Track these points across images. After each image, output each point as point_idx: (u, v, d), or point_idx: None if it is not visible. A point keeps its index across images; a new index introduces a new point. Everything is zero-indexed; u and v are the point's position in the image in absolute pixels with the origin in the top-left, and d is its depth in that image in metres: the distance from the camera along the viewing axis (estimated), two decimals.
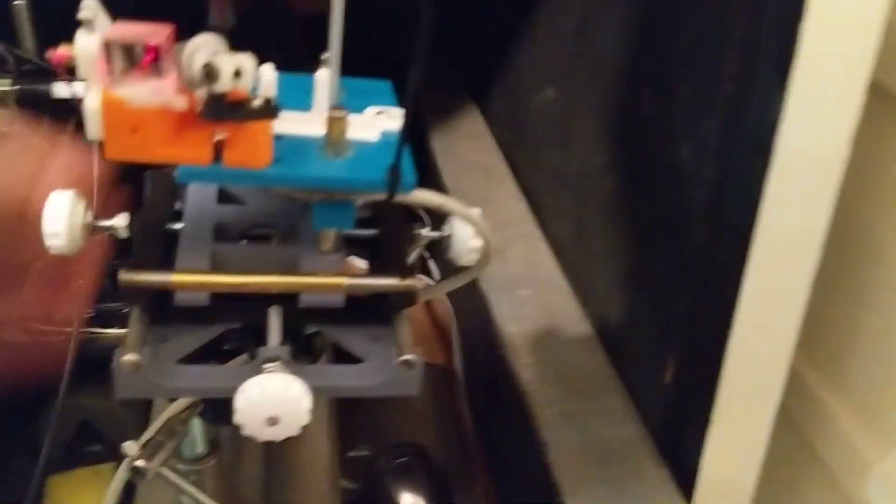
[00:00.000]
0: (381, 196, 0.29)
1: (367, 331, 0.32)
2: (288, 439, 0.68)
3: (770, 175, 0.44)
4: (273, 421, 0.28)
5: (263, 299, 0.32)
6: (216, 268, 0.31)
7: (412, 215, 0.35)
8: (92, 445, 0.72)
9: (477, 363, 0.79)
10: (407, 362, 0.30)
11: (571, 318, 0.69)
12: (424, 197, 0.30)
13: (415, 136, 1.02)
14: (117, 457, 0.73)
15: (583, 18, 0.70)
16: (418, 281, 0.32)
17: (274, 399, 0.28)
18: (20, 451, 0.72)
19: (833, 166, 0.44)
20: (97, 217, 0.31)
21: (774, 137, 0.43)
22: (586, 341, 0.67)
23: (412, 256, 0.34)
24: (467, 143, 0.97)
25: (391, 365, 0.31)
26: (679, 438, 0.55)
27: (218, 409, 0.38)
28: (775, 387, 0.51)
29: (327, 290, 0.31)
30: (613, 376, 0.63)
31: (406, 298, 0.32)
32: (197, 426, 0.41)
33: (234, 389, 0.28)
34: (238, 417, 0.28)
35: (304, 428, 0.71)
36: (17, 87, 0.45)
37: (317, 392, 0.29)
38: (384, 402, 0.82)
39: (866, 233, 0.54)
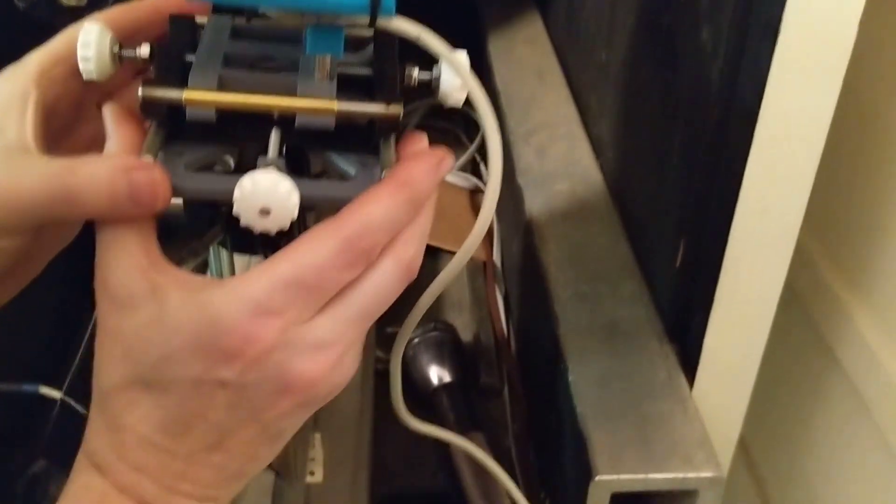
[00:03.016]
0: (363, 20, 0.32)
1: (357, 157, 0.36)
2: None
3: (776, 56, 0.45)
4: (265, 212, 0.32)
5: (266, 121, 0.35)
6: (222, 89, 0.35)
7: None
8: None
9: (511, 253, 0.82)
10: None
11: (602, 211, 0.71)
12: (403, 25, 0.33)
13: (472, 39, 1.04)
14: None
15: None
16: (402, 108, 0.35)
17: (265, 191, 0.31)
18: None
19: (840, 51, 0.44)
20: (123, 46, 0.35)
21: (783, 18, 0.44)
22: (612, 232, 0.69)
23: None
24: (524, 48, 0.99)
25: (373, 181, 0.34)
26: (686, 320, 0.57)
27: (235, 240, 0.42)
28: (779, 272, 0.52)
29: (319, 113, 0.34)
30: (632, 264, 0.65)
31: (391, 124, 0.35)
32: (223, 257, 0.46)
33: (232, 192, 0.32)
34: (235, 208, 0.32)
35: None
36: None
37: (306, 200, 0.33)
38: (423, 288, 0.86)
39: None
